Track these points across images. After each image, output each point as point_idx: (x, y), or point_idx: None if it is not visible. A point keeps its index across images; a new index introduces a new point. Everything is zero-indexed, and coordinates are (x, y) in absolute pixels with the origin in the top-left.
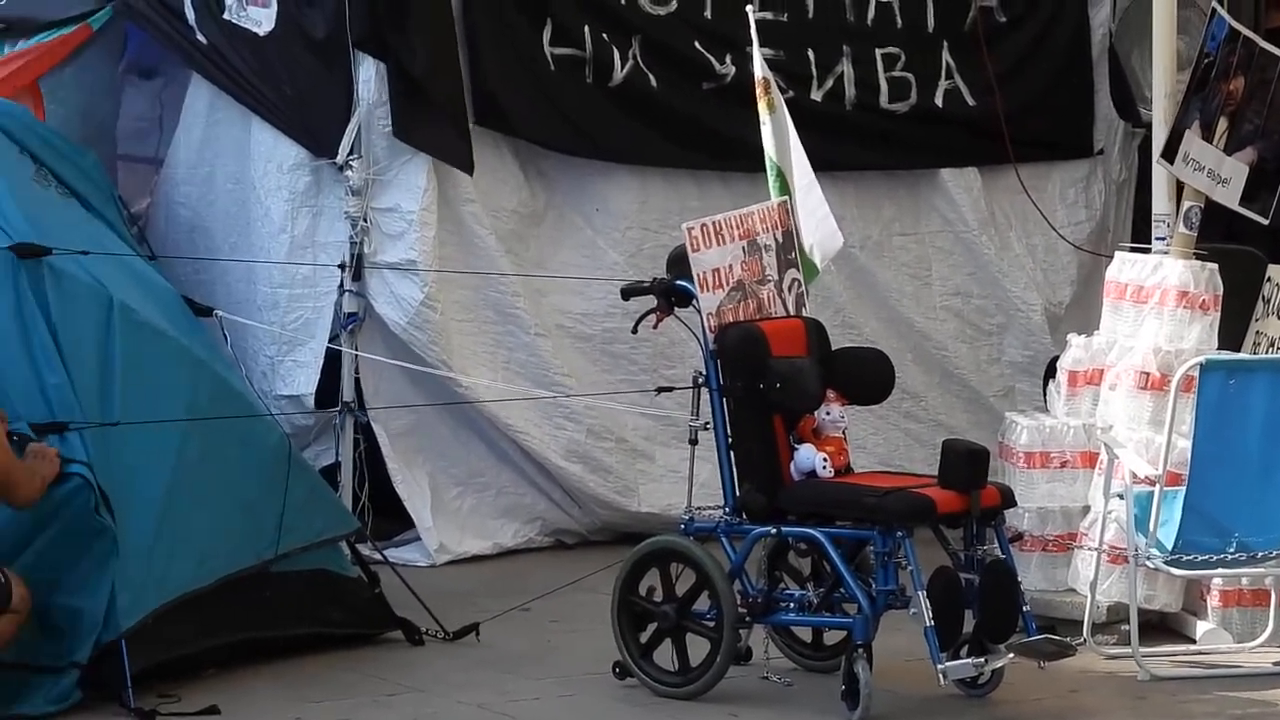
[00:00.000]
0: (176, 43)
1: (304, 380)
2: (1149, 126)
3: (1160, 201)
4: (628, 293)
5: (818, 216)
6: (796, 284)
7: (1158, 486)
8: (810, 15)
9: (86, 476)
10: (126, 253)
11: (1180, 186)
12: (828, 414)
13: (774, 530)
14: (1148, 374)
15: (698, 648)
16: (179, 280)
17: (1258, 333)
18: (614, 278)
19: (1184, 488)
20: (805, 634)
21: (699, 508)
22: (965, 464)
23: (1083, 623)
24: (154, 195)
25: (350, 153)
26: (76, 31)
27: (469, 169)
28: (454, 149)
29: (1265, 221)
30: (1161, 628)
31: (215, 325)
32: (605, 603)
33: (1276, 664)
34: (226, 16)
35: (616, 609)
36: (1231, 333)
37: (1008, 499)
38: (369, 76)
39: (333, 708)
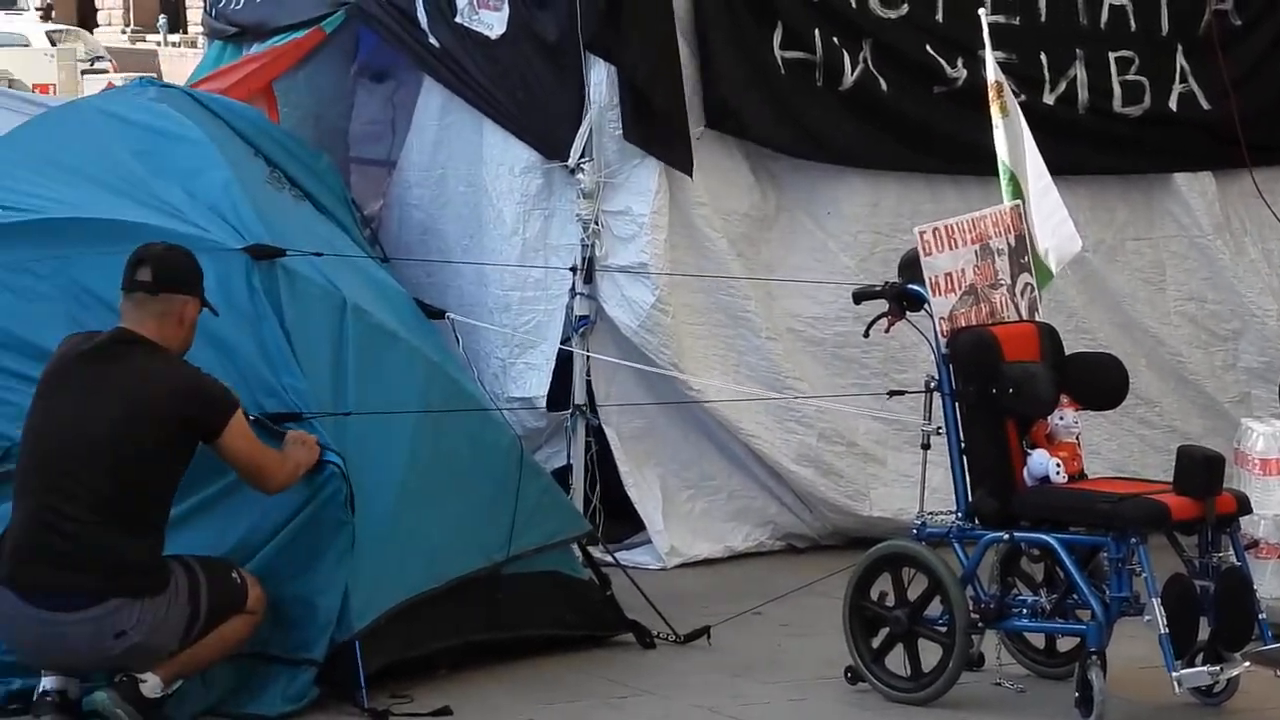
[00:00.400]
0: (409, 46)
1: (536, 383)
2: None
3: None
4: (859, 296)
5: (1054, 221)
6: (1029, 288)
7: None
8: (1043, 19)
9: (339, 465)
10: (359, 255)
11: None
12: (1061, 419)
13: (1006, 536)
14: None
15: (930, 653)
16: (411, 282)
17: None
18: (845, 281)
19: None
20: (1038, 640)
21: (931, 513)
22: (1201, 470)
23: None
24: (386, 198)
25: (581, 156)
26: (309, 35)
27: (689, 171)
28: (675, 151)
29: None
30: None
31: (447, 328)
32: (837, 607)
33: None
34: (458, 20)
35: (848, 613)
36: None
37: (1243, 506)
38: (600, 79)
39: (564, 709)
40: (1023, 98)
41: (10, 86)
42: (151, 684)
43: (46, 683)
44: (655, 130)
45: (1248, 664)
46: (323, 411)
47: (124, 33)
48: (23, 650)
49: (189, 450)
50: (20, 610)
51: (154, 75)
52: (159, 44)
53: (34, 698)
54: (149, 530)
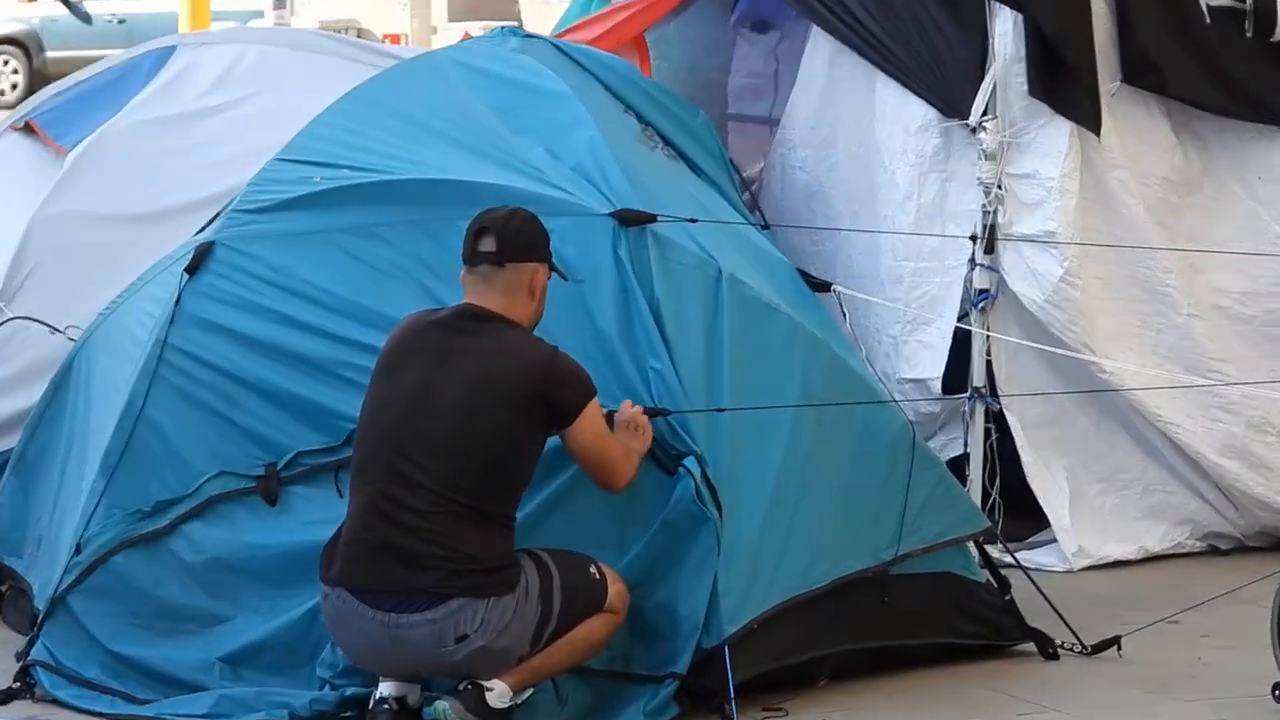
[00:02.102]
0: None
1: (930, 363)
2: None
3: None
4: None
5: None
6: None
7: None
8: None
9: (691, 470)
10: (737, 220)
11: None
12: None
13: None
14: None
15: None
16: (795, 251)
17: None
18: (1278, 253)
19: None
20: None
21: None
22: None
23: None
24: (768, 159)
25: (984, 113)
26: None
27: (1097, 131)
28: (1084, 109)
29: None
30: None
31: (833, 301)
32: (1264, 615)
33: None
34: None
35: (1276, 623)
36: None
37: None
38: (1006, 30)
39: None
40: None
41: (359, 37)
42: (498, 692)
43: (384, 689)
44: (1064, 85)
45: None
46: (692, 406)
47: None
48: (358, 654)
49: (541, 435)
50: (355, 611)
51: (515, 24)
52: None
53: (370, 705)
54: (496, 522)
